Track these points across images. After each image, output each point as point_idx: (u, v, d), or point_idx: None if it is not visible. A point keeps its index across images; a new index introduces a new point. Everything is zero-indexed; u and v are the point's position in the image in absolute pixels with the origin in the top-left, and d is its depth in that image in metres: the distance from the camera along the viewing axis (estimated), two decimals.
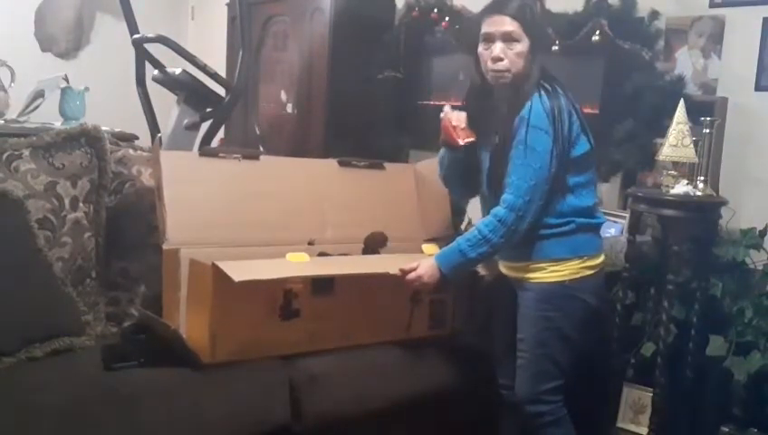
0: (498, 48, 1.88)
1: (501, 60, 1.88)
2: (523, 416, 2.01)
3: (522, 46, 1.88)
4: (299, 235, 2.22)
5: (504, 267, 2.08)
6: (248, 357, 1.92)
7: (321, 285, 2.01)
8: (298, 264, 2.00)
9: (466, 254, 1.91)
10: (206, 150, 2.29)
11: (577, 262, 1.94)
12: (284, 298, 1.95)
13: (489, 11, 1.92)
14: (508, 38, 1.87)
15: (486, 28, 1.90)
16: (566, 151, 1.88)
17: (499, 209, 1.88)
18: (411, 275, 1.97)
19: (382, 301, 2.15)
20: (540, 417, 1.97)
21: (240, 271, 1.77)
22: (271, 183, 2.26)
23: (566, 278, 1.93)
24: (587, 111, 2.89)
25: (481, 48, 1.93)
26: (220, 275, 1.77)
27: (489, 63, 1.91)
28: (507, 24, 1.87)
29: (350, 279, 2.04)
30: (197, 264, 1.90)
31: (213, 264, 1.80)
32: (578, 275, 1.94)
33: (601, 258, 2.01)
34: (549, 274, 1.94)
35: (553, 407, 1.97)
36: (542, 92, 1.88)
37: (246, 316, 1.90)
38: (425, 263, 1.97)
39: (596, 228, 2.02)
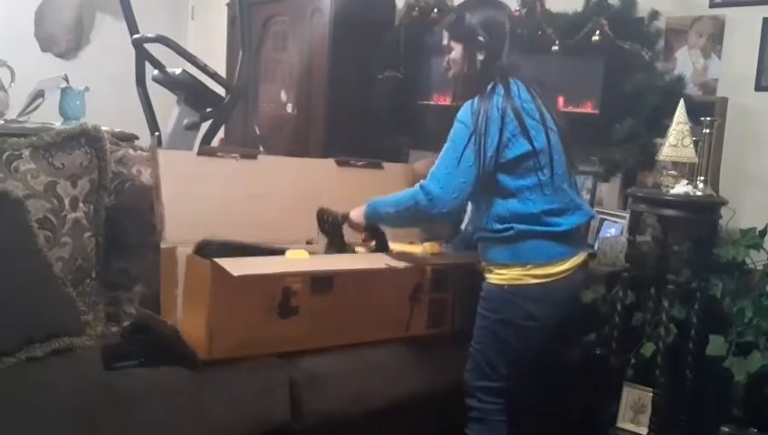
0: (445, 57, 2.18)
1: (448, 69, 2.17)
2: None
3: (454, 53, 2.13)
4: (297, 234, 2.22)
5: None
6: (246, 354, 1.92)
7: (321, 283, 2.01)
8: (297, 261, 2.00)
9: (377, 207, 2.10)
10: (204, 150, 2.30)
11: (519, 269, 1.96)
12: (283, 295, 1.95)
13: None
14: (446, 49, 2.17)
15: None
16: (492, 149, 1.93)
17: (417, 188, 1.98)
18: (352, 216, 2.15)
19: (381, 299, 2.15)
20: (468, 410, 2.05)
21: (239, 267, 1.77)
22: (269, 183, 2.27)
23: (506, 283, 1.98)
24: (587, 111, 2.91)
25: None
26: (218, 272, 1.77)
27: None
28: (445, 38, 2.17)
29: (350, 277, 2.05)
30: (196, 260, 1.90)
31: (212, 260, 1.80)
32: (518, 282, 1.96)
33: (555, 268, 1.97)
34: (493, 275, 2.01)
35: (483, 405, 2.03)
36: (479, 95, 2.00)
37: (244, 313, 1.90)
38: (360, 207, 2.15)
39: (548, 235, 1.97)
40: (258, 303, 1.93)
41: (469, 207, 2.18)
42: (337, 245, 2.20)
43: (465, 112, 1.98)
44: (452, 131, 1.98)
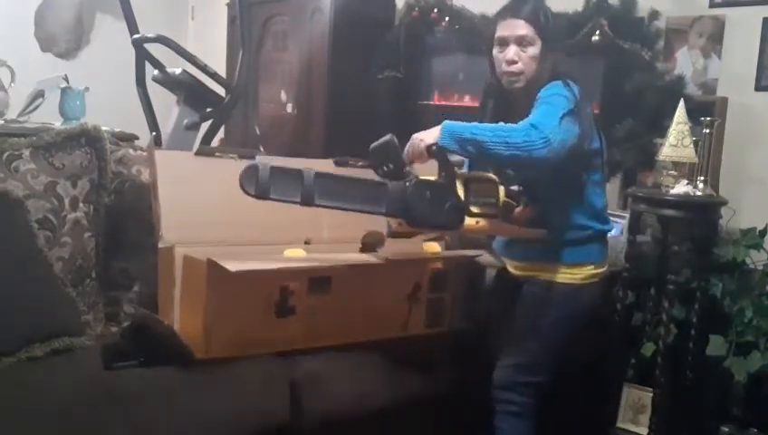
0: (512, 51, 1.89)
1: (515, 63, 1.89)
2: (492, 401, 2.03)
3: (535, 49, 1.88)
4: (295, 234, 2.22)
5: (514, 266, 2.08)
6: (242, 353, 1.92)
7: (318, 283, 2.01)
8: (294, 258, 2.00)
9: (462, 131, 1.75)
10: (202, 150, 2.30)
11: (589, 267, 1.96)
12: (280, 295, 1.95)
13: (503, 14, 1.93)
14: (522, 41, 1.88)
15: (501, 32, 1.91)
16: (585, 132, 1.83)
17: (526, 124, 1.74)
18: (417, 135, 1.84)
19: (379, 299, 2.14)
20: (508, 404, 2.01)
21: (235, 263, 1.77)
22: None
23: (576, 282, 1.95)
24: None
25: (495, 51, 1.94)
26: (215, 271, 1.77)
27: (504, 66, 1.92)
28: (521, 28, 1.88)
29: (348, 276, 2.04)
30: (192, 259, 1.90)
31: (208, 259, 1.80)
32: (586, 281, 1.96)
33: (604, 268, 2.02)
34: (562, 274, 1.95)
35: (523, 399, 2.00)
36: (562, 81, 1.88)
37: (241, 312, 1.90)
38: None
39: (606, 235, 2.02)
40: (255, 301, 1.92)
41: None
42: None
43: (560, 88, 1.84)
44: (548, 98, 1.81)
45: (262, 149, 3.75)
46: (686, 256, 2.34)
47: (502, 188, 1.84)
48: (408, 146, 1.84)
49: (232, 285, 1.81)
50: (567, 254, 1.94)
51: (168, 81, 3.21)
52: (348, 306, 2.07)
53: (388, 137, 1.81)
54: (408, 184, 1.74)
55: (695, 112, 2.36)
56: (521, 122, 1.76)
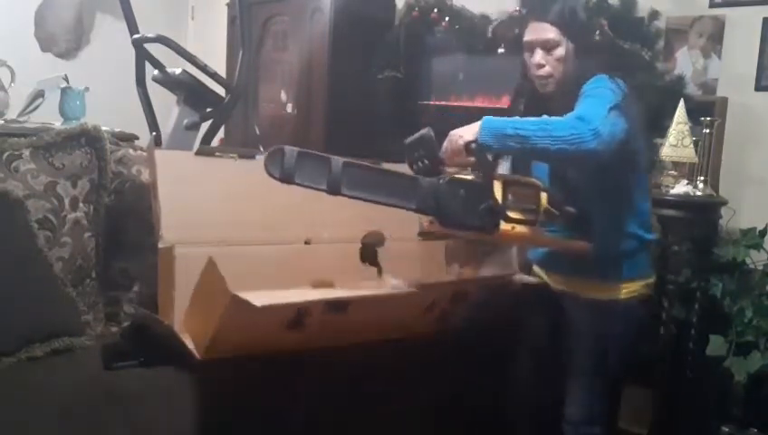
0: (538, 56, 1.83)
1: (542, 66, 1.83)
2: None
3: (561, 51, 1.81)
4: (295, 234, 2.21)
5: (554, 280, 1.97)
6: (244, 354, 1.90)
7: (336, 305, 1.93)
8: (319, 290, 1.93)
9: (504, 127, 1.64)
10: (202, 150, 2.30)
11: (639, 282, 1.87)
12: (296, 315, 1.90)
13: (529, 17, 1.88)
14: (547, 45, 1.82)
15: (527, 36, 1.86)
16: (633, 128, 1.71)
17: (573, 118, 1.64)
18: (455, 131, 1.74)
19: (395, 314, 2.09)
20: None
21: (260, 296, 1.66)
22: (267, 182, 2.24)
23: (625, 297, 1.84)
24: None
25: (525, 54, 1.89)
26: (238, 303, 1.65)
27: (533, 70, 1.86)
28: (545, 31, 1.82)
29: (367, 301, 1.93)
30: (213, 275, 1.73)
31: (233, 296, 1.65)
32: (634, 296, 1.86)
33: (653, 278, 1.93)
34: (614, 291, 1.83)
35: (603, 428, 1.92)
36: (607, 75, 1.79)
37: (252, 328, 1.87)
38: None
39: (651, 245, 1.93)
40: (270, 321, 1.89)
41: None
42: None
43: (606, 81, 1.75)
44: (593, 91, 1.72)
45: (262, 149, 3.75)
46: (686, 256, 2.34)
47: (544, 194, 1.70)
48: (445, 142, 1.74)
49: (251, 313, 1.75)
50: (615, 268, 1.83)
51: (168, 81, 3.21)
52: (363, 322, 2.04)
53: (424, 131, 1.71)
54: (441, 181, 1.64)
55: (695, 112, 2.37)
56: (565, 115, 1.66)
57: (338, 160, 1.65)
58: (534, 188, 1.71)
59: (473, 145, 1.67)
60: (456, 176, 1.66)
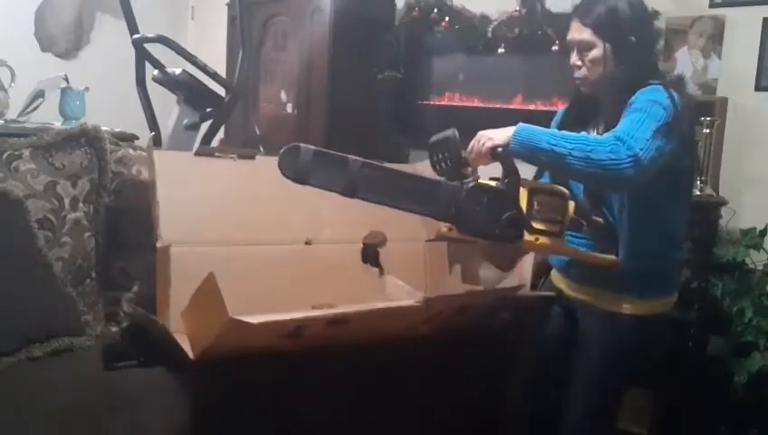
0: (573, 57, 1.77)
1: (578, 67, 1.77)
2: None
3: (596, 52, 1.72)
4: (295, 234, 2.21)
5: (572, 289, 1.89)
6: (238, 356, 1.90)
7: (337, 321, 1.92)
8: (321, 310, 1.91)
9: (539, 137, 1.57)
10: (201, 150, 2.29)
11: (664, 299, 1.82)
12: (295, 329, 1.89)
13: (571, 16, 1.81)
14: (581, 46, 1.75)
15: (568, 35, 1.79)
16: (680, 148, 1.63)
17: (612, 138, 1.54)
18: (484, 132, 1.66)
19: (397, 324, 2.07)
20: None
21: (258, 316, 1.63)
22: (267, 182, 2.24)
23: (648, 313, 1.78)
24: None
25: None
26: (235, 323, 1.62)
27: (572, 70, 1.80)
28: (580, 32, 1.74)
29: (370, 316, 1.88)
30: (213, 292, 1.68)
31: (230, 318, 1.61)
32: (656, 313, 1.81)
33: (675, 295, 1.88)
34: (635, 306, 1.77)
35: None
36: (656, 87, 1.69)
37: (252, 337, 1.86)
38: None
39: (679, 264, 1.93)
40: (269, 333, 1.87)
41: None
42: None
43: (659, 94, 1.63)
44: (643, 104, 1.62)
45: (262, 149, 3.75)
46: (686, 256, 2.34)
47: (572, 204, 1.64)
48: (472, 142, 1.66)
49: (248, 331, 1.73)
50: (640, 285, 1.75)
51: (167, 81, 3.21)
52: (363, 333, 2.03)
53: (449, 131, 1.63)
54: (464, 187, 1.58)
55: (695, 112, 2.36)
56: (606, 134, 1.59)
57: (356, 161, 1.58)
58: (561, 196, 1.65)
59: (499, 150, 1.60)
60: (481, 182, 1.60)
